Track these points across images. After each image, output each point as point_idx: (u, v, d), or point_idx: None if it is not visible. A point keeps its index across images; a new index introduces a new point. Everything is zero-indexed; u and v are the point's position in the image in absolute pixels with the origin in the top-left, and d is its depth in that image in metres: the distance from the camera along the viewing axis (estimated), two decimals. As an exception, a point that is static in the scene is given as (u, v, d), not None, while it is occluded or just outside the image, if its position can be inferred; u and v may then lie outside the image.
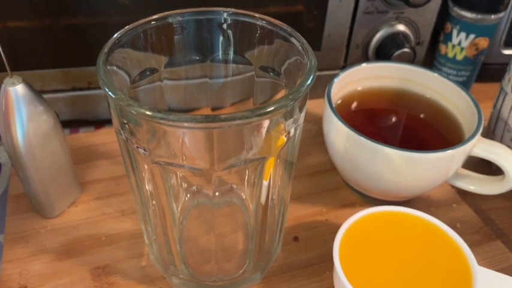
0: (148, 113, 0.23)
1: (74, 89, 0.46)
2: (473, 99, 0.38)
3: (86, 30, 0.43)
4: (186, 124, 0.23)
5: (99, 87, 0.46)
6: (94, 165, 0.43)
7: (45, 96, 0.35)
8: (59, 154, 0.36)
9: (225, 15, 0.30)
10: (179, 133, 0.24)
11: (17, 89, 0.32)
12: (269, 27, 0.29)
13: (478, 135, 0.35)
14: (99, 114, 0.48)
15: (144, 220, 0.32)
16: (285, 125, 0.26)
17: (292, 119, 0.26)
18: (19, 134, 0.33)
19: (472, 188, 0.38)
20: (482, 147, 0.35)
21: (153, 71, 0.30)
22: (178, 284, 0.33)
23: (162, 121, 0.23)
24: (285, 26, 0.29)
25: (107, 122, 0.49)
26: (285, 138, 0.27)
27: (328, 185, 0.42)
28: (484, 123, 0.36)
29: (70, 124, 0.49)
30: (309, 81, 0.25)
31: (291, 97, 0.24)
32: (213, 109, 0.35)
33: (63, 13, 0.41)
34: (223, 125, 0.23)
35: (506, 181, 0.35)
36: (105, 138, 0.46)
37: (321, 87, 0.41)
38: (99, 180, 0.41)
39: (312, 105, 0.48)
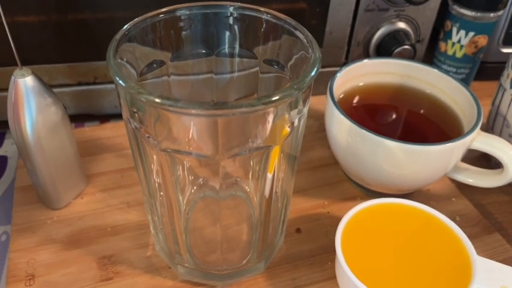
0: (157, 100, 0.23)
1: (80, 84, 0.46)
2: (472, 94, 0.39)
3: (93, 25, 0.43)
4: (193, 111, 0.24)
5: (104, 82, 0.47)
6: (99, 158, 0.43)
7: (52, 90, 0.35)
8: (66, 146, 0.36)
9: (231, 9, 0.30)
10: (187, 121, 0.25)
11: (27, 81, 0.33)
12: (274, 21, 0.30)
13: (478, 129, 0.36)
14: (105, 109, 0.49)
15: (151, 210, 0.32)
16: (290, 115, 0.27)
17: (296, 110, 0.27)
18: (28, 125, 0.33)
19: (470, 181, 0.38)
20: (481, 141, 0.36)
21: (161, 63, 0.31)
22: (184, 273, 0.34)
23: (170, 108, 0.24)
24: (289, 19, 0.29)
25: (112, 116, 0.50)
26: (289, 129, 0.27)
27: (330, 178, 0.43)
28: (483, 119, 0.37)
29: (75, 118, 0.49)
30: (313, 73, 0.26)
31: (295, 87, 0.25)
32: (218, 103, 0.36)
33: (70, 8, 0.42)
34: (230, 113, 0.24)
35: (504, 174, 0.36)
36: (110, 132, 0.46)
37: (322, 84, 0.42)
38: (105, 173, 0.42)
39: (313, 101, 0.49)
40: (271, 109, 0.25)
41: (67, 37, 0.44)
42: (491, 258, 0.36)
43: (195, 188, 0.37)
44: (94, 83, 0.47)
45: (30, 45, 0.43)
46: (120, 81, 0.24)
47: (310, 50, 0.28)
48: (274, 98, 0.24)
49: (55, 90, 0.45)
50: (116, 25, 0.29)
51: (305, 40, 0.28)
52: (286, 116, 0.27)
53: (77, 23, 0.43)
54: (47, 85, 0.34)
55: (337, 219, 0.33)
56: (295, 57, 0.30)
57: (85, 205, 0.39)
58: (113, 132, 0.46)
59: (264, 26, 0.30)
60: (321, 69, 0.52)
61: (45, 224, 0.38)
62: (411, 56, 0.48)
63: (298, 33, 0.29)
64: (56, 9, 0.42)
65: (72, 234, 0.37)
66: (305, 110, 0.28)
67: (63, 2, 0.42)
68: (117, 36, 0.27)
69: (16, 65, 0.33)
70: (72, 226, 0.38)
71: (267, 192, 0.30)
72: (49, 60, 0.44)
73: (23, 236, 0.37)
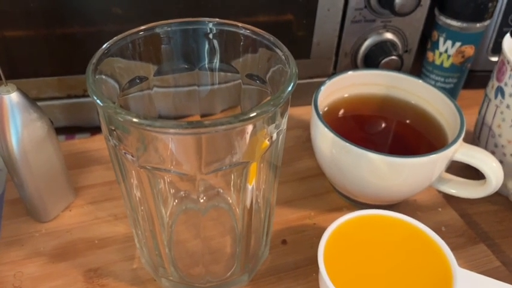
0: (135, 120, 0.24)
1: (69, 97, 0.47)
2: (456, 105, 0.39)
3: (81, 39, 0.44)
4: (171, 130, 0.24)
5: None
6: (88, 170, 0.44)
7: (41, 103, 0.36)
8: (52, 160, 0.37)
9: (210, 25, 0.31)
10: (165, 139, 0.25)
11: (12, 97, 0.33)
12: (252, 36, 0.30)
13: (460, 141, 0.36)
14: (94, 121, 0.49)
15: (134, 224, 0.33)
16: (268, 130, 0.27)
17: (274, 124, 0.27)
18: (14, 140, 0.34)
19: (453, 191, 0.39)
20: (463, 152, 0.36)
21: (143, 79, 0.31)
22: (168, 286, 0.34)
23: (148, 128, 0.24)
24: (267, 35, 0.30)
25: (102, 128, 0.51)
26: (268, 143, 0.28)
27: (316, 189, 0.43)
28: (470, 129, 0.37)
29: (66, 130, 0.50)
30: (289, 88, 0.26)
31: (272, 103, 0.25)
32: (202, 116, 0.36)
33: (58, 23, 0.43)
34: (208, 131, 0.24)
35: (487, 185, 0.36)
36: (99, 144, 0.47)
37: (311, 95, 0.42)
38: (93, 185, 0.42)
39: (302, 111, 0.50)
40: (250, 125, 0.25)
41: (56, 51, 0.44)
42: (475, 269, 0.36)
43: (176, 201, 0.37)
44: (83, 96, 0.47)
45: (19, 59, 0.44)
46: (98, 101, 0.25)
47: (287, 65, 0.28)
48: (251, 115, 0.24)
49: (44, 103, 0.46)
50: (103, 38, 0.29)
51: (283, 56, 0.28)
52: (265, 130, 0.27)
53: (65, 37, 0.43)
54: (33, 100, 0.35)
55: (323, 231, 0.33)
56: (273, 70, 0.30)
57: (73, 218, 0.40)
58: (102, 144, 0.47)
59: (242, 41, 0.31)
60: (309, 80, 0.52)
61: (33, 237, 0.38)
62: (398, 66, 0.48)
63: (275, 48, 0.29)
64: (45, 23, 0.42)
65: (60, 247, 0.37)
66: (283, 124, 0.29)
67: (52, 17, 0.42)
68: (96, 55, 0.27)
69: (1, 80, 0.33)
70: (60, 239, 0.38)
71: (248, 203, 0.30)
72: (38, 74, 0.45)
73: (11, 248, 0.37)
